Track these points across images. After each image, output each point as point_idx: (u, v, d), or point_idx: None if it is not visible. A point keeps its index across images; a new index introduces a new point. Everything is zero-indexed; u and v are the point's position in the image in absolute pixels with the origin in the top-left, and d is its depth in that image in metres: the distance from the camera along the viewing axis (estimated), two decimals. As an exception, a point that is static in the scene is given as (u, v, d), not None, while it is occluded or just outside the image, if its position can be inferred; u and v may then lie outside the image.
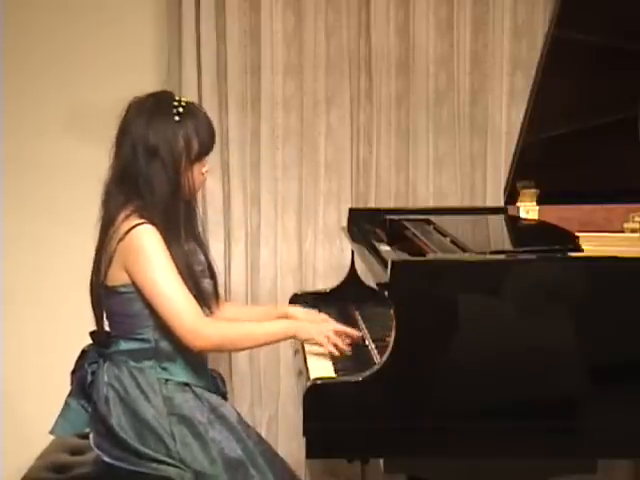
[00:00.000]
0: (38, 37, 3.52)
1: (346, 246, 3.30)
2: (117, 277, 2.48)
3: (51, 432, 2.61)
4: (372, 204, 3.49)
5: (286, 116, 3.48)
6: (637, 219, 2.85)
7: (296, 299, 3.11)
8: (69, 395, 2.60)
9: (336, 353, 2.51)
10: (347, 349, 2.51)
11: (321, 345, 2.53)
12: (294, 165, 3.51)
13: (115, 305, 2.53)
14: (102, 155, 3.51)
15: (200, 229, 2.65)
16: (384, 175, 3.51)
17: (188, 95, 3.39)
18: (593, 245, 2.45)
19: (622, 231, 2.82)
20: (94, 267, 2.55)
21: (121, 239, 2.45)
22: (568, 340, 2.18)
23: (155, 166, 2.47)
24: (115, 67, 3.52)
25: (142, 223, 2.44)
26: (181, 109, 2.51)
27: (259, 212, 3.50)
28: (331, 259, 3.51)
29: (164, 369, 2.51)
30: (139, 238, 2.43)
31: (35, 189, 3.56)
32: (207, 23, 3.40)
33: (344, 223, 3.20)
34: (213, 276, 2.66)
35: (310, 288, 3.40)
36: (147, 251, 2.43)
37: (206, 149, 2.55)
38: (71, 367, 2.65)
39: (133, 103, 2.58)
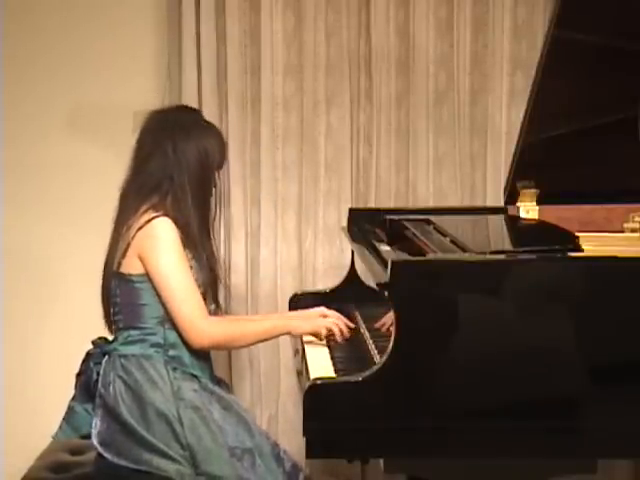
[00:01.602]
0: (40, 41, 3.53)
1: (346, 246, 3.30)
2: (131, 265, 2.55)
3: (54, 437, 2.63)
4: (372, 204, 3.49)
5: (286, 116, 3.49)
6: (637, 219, 2.84)
7: (296, 299, 3.11)
8: (73, 399, 2.62)
9: (338, 338, 2.59)
10: (346, 334, 2.60)
11: (317, 336, 2.61)
12: (294, 165, 3.51)
13: (126, 294, 2.57)
14: (105, 157, 3.54)
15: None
16: (384, 175, 3.51)
17: (188, 95, 3.40)
18: (593, 245, 2.44)
19: (622, 231, 2.82)
20: (108, 254, 2.62)
21: (141, 227, 2.53)
22: (568, 340, 2.18)
23: (193, 168, 2.58)
24: (116, 69, 3.53)
25: (163, 216, 2.54)
26: (205, 121, 2.69)
27: (259, 212, 3.50)
28: (331, 259, 3.51)
29: (172, 358, 2.55)
30: (158, 228, 2.53)
31: (37, 192, 3.57)
32: (207, 23, 3.40)
33: (344, 223, 3.20)
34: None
35: (310, 288, 3.40)
36: (163, 242, 2.52)
37: (221, 164, 2.69)
38: (73, 367, 2.66)
39: (158, 112, 2.70)
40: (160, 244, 2.52)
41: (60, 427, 2.60)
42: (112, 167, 3.51)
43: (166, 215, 2.54)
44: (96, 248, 3.55)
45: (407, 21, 3.47)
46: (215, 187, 2.66)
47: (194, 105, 3.37)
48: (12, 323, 3.57)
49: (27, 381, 3.58)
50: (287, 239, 3.52)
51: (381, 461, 2.22)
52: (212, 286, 2.65)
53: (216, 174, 2.67)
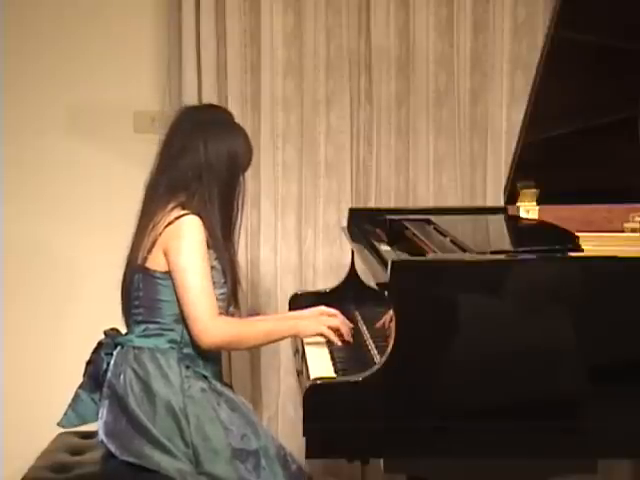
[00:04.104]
0: (40, 40, 3.53)
1: (346, 246, 3.30)
2: (156, 262, 2.57)
3: (59, 424, 2.63)
4: (372, 204, 3.50)
5: (286, 116, 3.49)
6: (637, 219, 2.85)
7: (296, 299, 3.11)
8: (80, 387, 2.64)
9: (337, 342, 2.58)
10: (348, 337, 2.60)
11: (323, 336, 2.60)
12: (294, 165, 3.51)
13: (148, 289, 2.59)
14: (105, 157, 3.54)
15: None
16: (384, 175, 3.51)
17: (188, 95, 3.40)
18: (593, 245, 2.44)
19: (622, 231, 2.82)
20: (132, 247, 2.63)
21: (170, 223, 2.55)
22: (568, 340, 2.18)
23: (221, 169, 2.60)
24: (116, 69, 3.53)
25: (192, 214, 2.56)
26: (236, 122, 2.72)
27: (259, 212, 3.50)
28: (331, 259, 3.51)
29: (186, 355, 2.57)
30: (186, 226, 2.54)
31: (38, 190, 3.57)
32: (207, 23, 3.40)
33: (344, 223, 3.20)
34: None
35: (310, 288, 3.40)
36: (188, 240, 2.54)
37: (248, 165, 2.71)
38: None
39: (190, 109, 2.76)
40: (185, 241, 2.53)
41: (65, 414, 2.62)
42: (112, 167, 3.54)
43: (194, 214, 2.56)
44: (95, 246, 3.57)
45: (407, 21, 3.47)
46: (240, 189, 2.68)
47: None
48: (12, 324, 3.57)
49: (28, 380, 3.58)
50: (287, 239, 3.52)
51: (381, 461, 2.22)
52: (233, 288, 2.66)
53: (242, 176, 2.68)
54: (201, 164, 2.59)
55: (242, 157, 2.65)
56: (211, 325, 2.53)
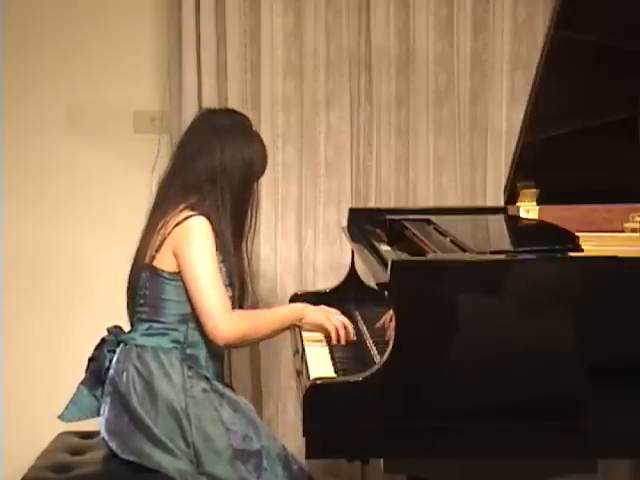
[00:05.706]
0: (40, 40, 3.53)
1: (346, 246, 3.30)
2: (165, 261, 2.59)
3: (60, 417, 2.63)
4: (372, 204, 3.50)
5: (286, 116, 3.49)
6: (637, 219, 2.85)
7: (296, 299, 3.11)
8: (82, 382, 2.65)
9: (337, 341, 2.58)
10: (349, 339, 2.60)
11: (324, 328, 2.61)
12: (294, 165, 3.51)
13: (154, 287, 2.60)
14: (105, 157, 3.54)
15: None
16: (384, 175, 3.51)
17: (188, 95, 3.40)
18: (593, 245, 2.45)
19: (622, 231, 2.82)
20: (140, 245, 2.65)
21: (179, 223, 2.57)
22: (568, 340, 2.18)
23: (236, 175, 2.62)
24: (116, 69, 3.54)
25: (201, 215, 2.57)
26: (253, 129, 2.73)
27: (259, 212, 3.50)
28: (331, 259, 3.51)
29: (188, 356, 2.59)
30: (195, 226, 2.56)
31: (37, 191, 3.57)
32: (207, 24, 3.40)
33: (344, 223, 3.20)
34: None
35: (310, 288, 3.40)
36: (197, 238, 2.56)
37: (262, 173, 2.73)
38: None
39: (210, 112, 2.79)
40: (194, 242, 2.55)
41: (67, 407, 2.63)
42: (112, 167, 3.54)
43: (203, 215, 2.57)
44: (96, 245, 3.56)
45: (407, 21, 3.47)
46: (253, 197, 2.69)
47: (194, 105, 3.37)
48: (12, 321, 3.57)
49: (28, 380, 3.58)
50: (287, 239, 3.52)
51: (381, 461, 2.23)
52: (240, 293, 2.68)
53: (255, 184, 2.69)
54: (216, 168, 2.60)
55: (257, 165, 2.67)
56: (223, 322, 2.54)
